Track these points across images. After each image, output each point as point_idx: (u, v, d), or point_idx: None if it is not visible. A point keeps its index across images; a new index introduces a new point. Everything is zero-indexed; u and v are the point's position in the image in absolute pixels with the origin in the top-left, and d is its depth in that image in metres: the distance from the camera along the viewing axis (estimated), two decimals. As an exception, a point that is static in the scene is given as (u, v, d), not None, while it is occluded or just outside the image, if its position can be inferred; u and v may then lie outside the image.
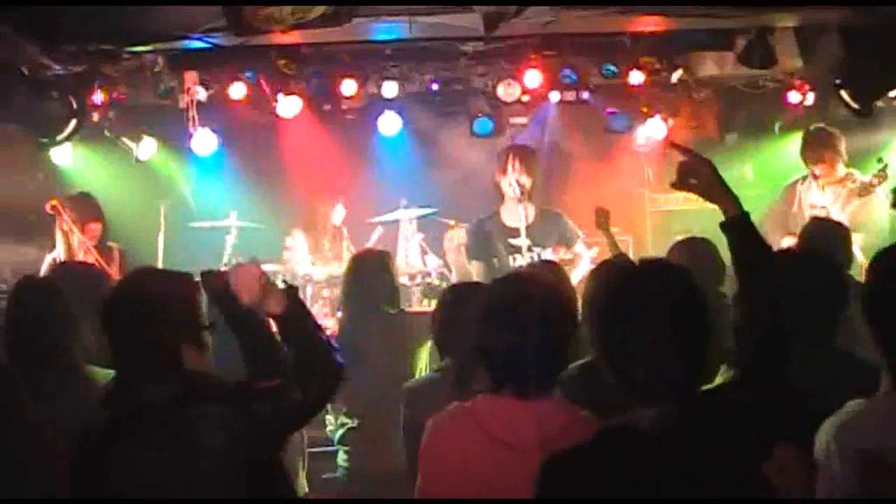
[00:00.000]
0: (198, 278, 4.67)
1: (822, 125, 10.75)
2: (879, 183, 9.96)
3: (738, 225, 3.94)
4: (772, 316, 3.91)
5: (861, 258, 9.26)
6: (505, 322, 4.24)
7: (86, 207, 9.91)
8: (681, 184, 4.09)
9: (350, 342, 7.18)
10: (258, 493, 4.27)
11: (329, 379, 4.59)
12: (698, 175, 4.04)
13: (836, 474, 3.68)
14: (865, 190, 10.05)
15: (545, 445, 3.92)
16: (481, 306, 4.40)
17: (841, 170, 10.35)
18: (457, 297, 6.12)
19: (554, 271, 7.36)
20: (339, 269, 10.95)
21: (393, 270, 8.24)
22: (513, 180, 9.69)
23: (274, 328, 4.70)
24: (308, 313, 4.71)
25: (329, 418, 7.78)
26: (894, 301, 3.85)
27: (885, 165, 10.04)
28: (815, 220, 8.45)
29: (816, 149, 10.43)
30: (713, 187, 4.01)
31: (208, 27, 8.25)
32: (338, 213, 12.12)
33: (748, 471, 3.42)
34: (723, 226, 3.97)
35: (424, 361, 7.68)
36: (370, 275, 8.02)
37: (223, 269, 4.98)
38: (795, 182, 10.68)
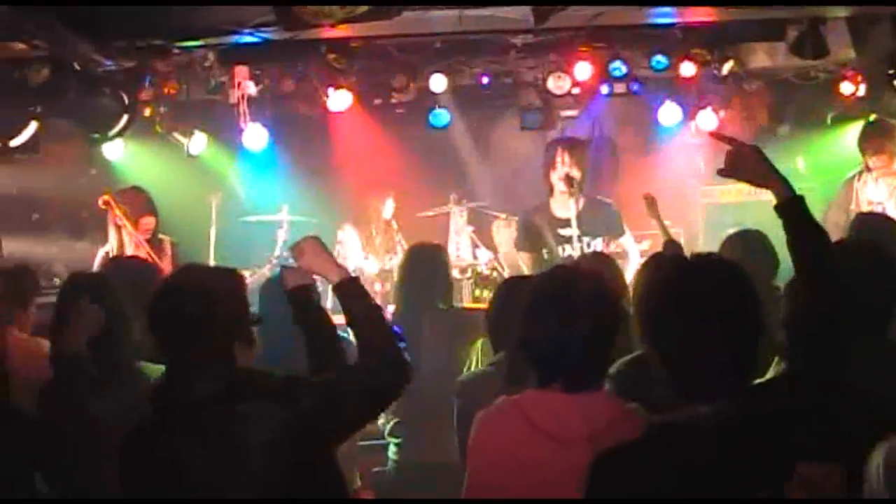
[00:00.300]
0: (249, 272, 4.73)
1: (881, 116, 10.67)
2: None
3: (792, 207, 3.94)
4: (830, 302, 3.90)
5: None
6: (549, 314, 4.21)
7: (138, 201, 9.93)
8: (729, 172, 4.11)
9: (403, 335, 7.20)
10: (306, 491, 4.28)
11: (393, 370, 4.57)
12: (746, 163, 4.05)
13: (880, 495, 3.62)
14: None
15: (593, 438, 3.93)
16: (524, 302, 4.40)
17: None
18: (510, 291, 6.13)
19: (605, 262, 7.35)
20: (391, 262, 11.00)
21: (447, 265, 8.24)
22: (563, 174, 9.62)
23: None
24: (370, 300, 4.75)
25: (378, 412, 7.79)
26: None
27: None
28: (862, 215, 8.39)
29: (876, 139, 10.31)
30: (762, 172, 4.02)
31: (258, 22, 8.28)
32: (388, 208, 12.15)
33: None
34: (776, 209, 3.97)
35: (475, 360, 7.66)
36: (425, 268, 8.03)
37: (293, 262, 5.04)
38: (851, 178, 10.50)
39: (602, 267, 6.82)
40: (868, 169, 10.29)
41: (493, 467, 4.28)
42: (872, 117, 10.76)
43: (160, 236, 10.08)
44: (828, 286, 3.90)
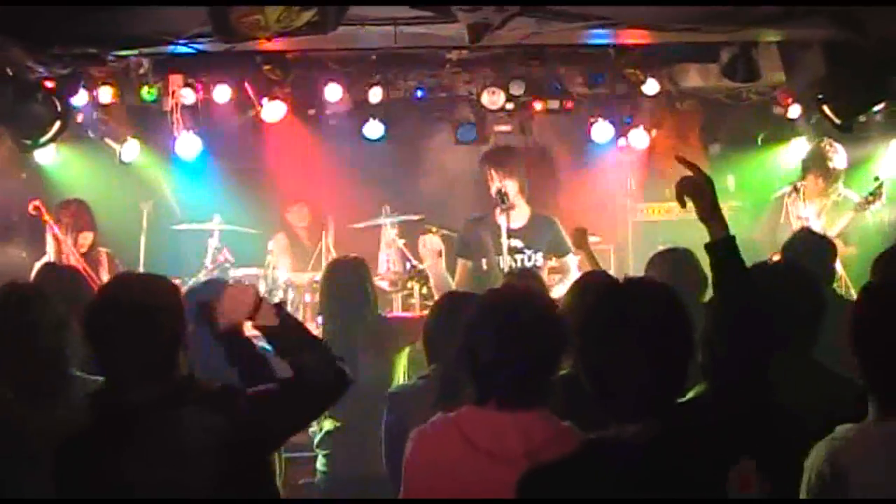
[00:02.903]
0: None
1: (826, 139, 10.79)
2: (874, 201, 10.01)
3: (725, 247, 4.03)
4: (750, 335, 3.98)
5: (841, 271, 9.32)
6: (490, 336, 4.24)
7: (81, 216, 9.87)
8: (683, 195, 4.16)
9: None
10: (242, 494, 4.30)
11: (328, 387, 4.59)
12: (702, 192, 4.12)
13: (832, 493, 3.76)
14: (860, 207, 10.09)
15: (531, 456, 3.96)
16: (471, 315, 4.42)
17: (832, 185, 10.38)
18: (450, 306, 6.14)
19: (532, 279, 7.42)
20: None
21: (368, 276, 8.23)
22: (495, 190, 9.59)
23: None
24: (300, 326, 4.78)
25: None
26: (882, 332, 3.91)
27: (881, 184, 10.08)
28: (800, 233, 8.47)
29: (820, 162, 10.44)
30: (709, 207, 4.10)
31: (194, 33, 8.25)
32: (295, 215, 12.26)
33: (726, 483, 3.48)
34: (708, 247, 4.07)
35: (403, 368, 7.69)
36: (346, 281, 8.02)
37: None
38: (782, 196, 10.67)
39: (530, 284, 6.87)
40: (796, 189, 10.43)
41: (429, 485, 4.31)
42: (823, 141, 10.84)
43: (98, 248, 10.00)
44: (749, 323, 4.00)
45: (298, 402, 4.53)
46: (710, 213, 4.09)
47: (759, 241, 9.94)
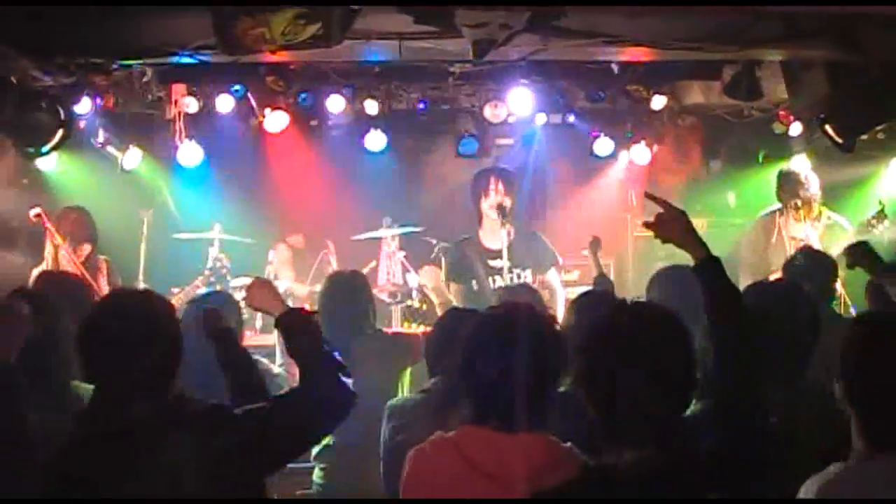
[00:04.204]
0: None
1: (790, 168, 10.83)
2: (878, 224, 9.98)
3: (709, 269, 4.15)
4: (740, 357, 4.01)
5: (841, 290, 9.30)
6: (492, 353, 4.21)
7: (81, 225, 9.83)
8: (657, 233, 4.35)
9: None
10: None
11: (335, 400, 4.62)
12: (674, 225, 4.29)
13: None
14: (865, 229, 10.07)
15: (533, 478, 3.94)
16: (471, 332, 4.41)
17: (813, 211, 10.39)
18: (454, 320, 6.17)
19: (533, 295, 7.41)
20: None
21: (368, 290, 8.25)
22: (495, 203, 9.61)
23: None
24: (318, 335, 4.78)
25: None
26: (871, 371, 3.87)
27: (884, 207, 10.08)
28: (800, 252, 8.48)
29: (792, 190, 10.43)
30: (683, 236, 4.28)
31: (199, 45, 8.25)
32: (293, 241, 12.34)
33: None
34: (694, 270, 4.18)
35: (406, 387, 7.68)
36: (345, 296, 8.03)
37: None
38: (774, 213, 10.69)
39: (531, 300, 6.87)
40: (797, 209, 10.42)
41: (428, 504, 4.27)
42: (785, 167, 10.89)
43: (97, 256, 9.99)
44: (738, 343, 4.05)
45: (296, 420, 4.51)
46: (685, 242, 4.29)
47: (743, 260, 10.00)
